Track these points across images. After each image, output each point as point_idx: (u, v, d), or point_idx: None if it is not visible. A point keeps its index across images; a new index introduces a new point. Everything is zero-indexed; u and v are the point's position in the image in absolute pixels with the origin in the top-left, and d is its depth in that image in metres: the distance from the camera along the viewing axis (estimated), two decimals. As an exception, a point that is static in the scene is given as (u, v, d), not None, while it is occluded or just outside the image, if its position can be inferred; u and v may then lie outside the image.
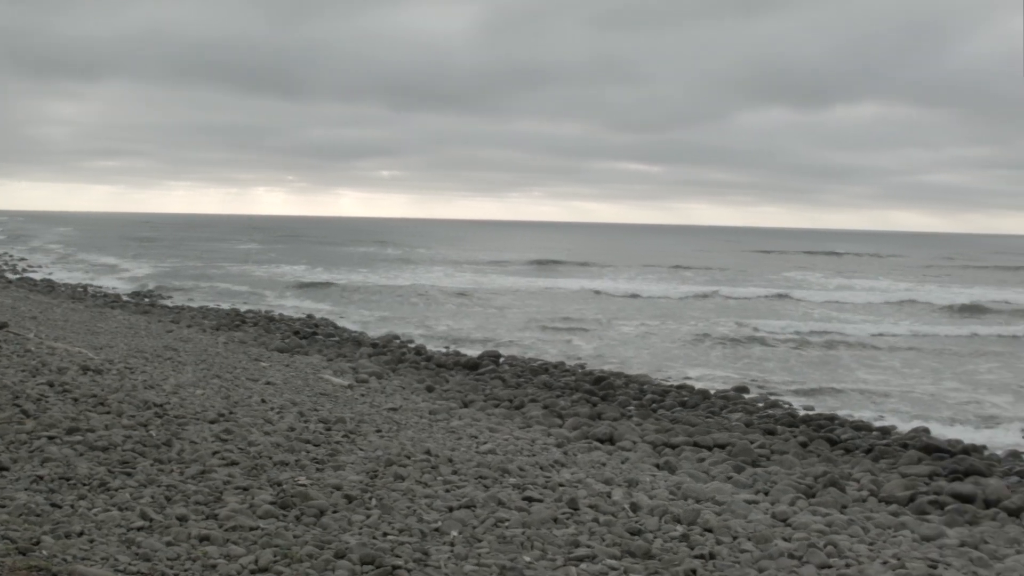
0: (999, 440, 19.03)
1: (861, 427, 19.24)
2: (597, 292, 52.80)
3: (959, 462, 16.15)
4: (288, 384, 17.38)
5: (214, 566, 7.04)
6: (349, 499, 9.20)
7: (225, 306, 38.45)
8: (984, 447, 18.02)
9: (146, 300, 39.95)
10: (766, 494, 13.30)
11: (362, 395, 17.60)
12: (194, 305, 38.49)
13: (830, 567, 9.21)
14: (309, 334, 29.42)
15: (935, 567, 9.58)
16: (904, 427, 19.59)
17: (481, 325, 35.67)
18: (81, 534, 7.27)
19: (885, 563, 9.52)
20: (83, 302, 35.61)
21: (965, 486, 14.51)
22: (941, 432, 19.28)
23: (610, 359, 28.00)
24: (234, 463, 9.88)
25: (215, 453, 10.15)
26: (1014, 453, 17.79)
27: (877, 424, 19.68)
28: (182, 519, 7.97)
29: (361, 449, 11.68)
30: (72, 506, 7.89)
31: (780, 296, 51.83)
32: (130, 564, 6.78)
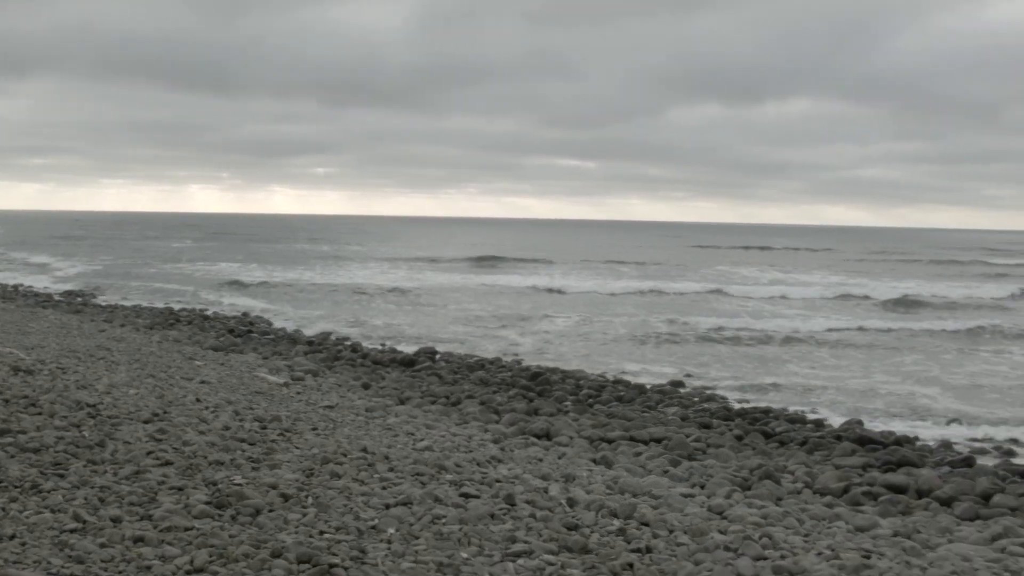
0: (930, 432, 19.24)
1: (795, 420, 19.40)
2: (533, 288, 52.88)
3: (892, 453, 16.32)
4: (223, 383, 17.28)
5: (149, 567, 6.99)
6: (285, 498, 9.16)
7: (159, 305, 38.16)
8: (916, 438, 18.21)
9: (78, 299, 39.53)
10: (702, 487, 13.37)
11: (298, 393, 17.53)
12: (127, 304, 38.15)
13: (765, 559, 9.28)
14: (244, 332, 29.25)
15: (868, 557, 9.67)
16: (837, 420, 19.77)
17: (417, 322, 35.62)
18: (13, 537, 7.20)
19: (820, 554, 9.59)
20: (13, 302, 35.25)
21: (898, 477, 14.67)
22: (874, 424, 19.47)
23: (546, 355, 28.06)
24: (168, 463, 9.80)
25: (149, 453, 10.07)
26: (945, 444, 18.00)
27: (811, 417, 19.84)
28: (116, 520, 7.90)
29: (297, 447, 11.63)
30: (3, 509, 7.81)
31: (715, 291, 52.10)
32: (63, 567, 6.72)
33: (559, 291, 51.56)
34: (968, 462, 16.36)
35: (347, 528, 8.52)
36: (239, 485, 9.26)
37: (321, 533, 8.31)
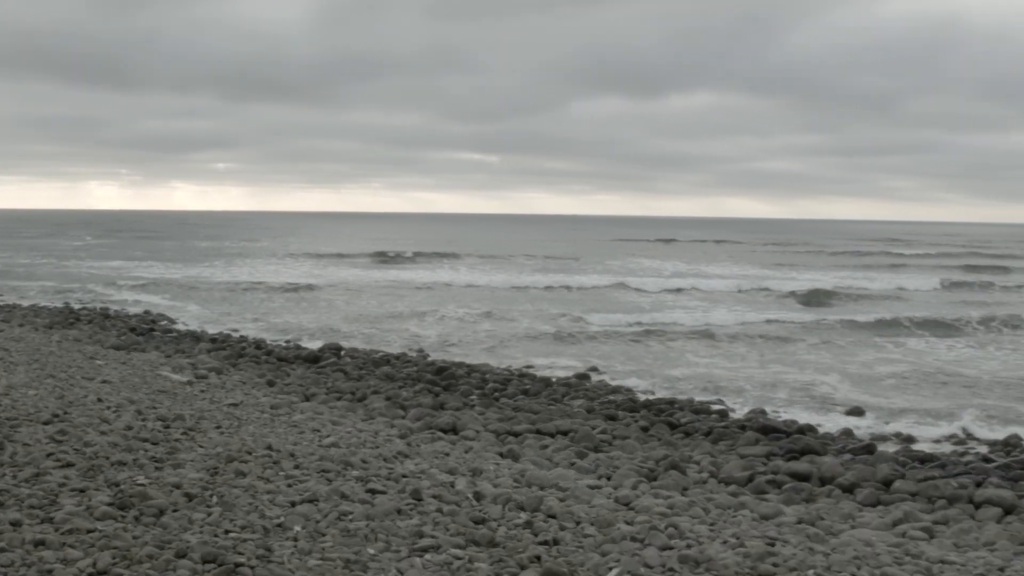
0: (832, 420, 19.51)
1: (700, 410, 19.57)
2: (438, 283, 52.82)
3: (795, 442, 16.54)
4: (125, 382, 17.06)
5: (50, 571, 6.88)
6: (189, 497, 9.07)
7: (58, 303, 37.56)
8: (818, 427, 18.46)
9: (-26, 299, 38.82)
10: (608, 479, 13.44)
11: (201, 391, 17.36)
12: (25, 303, 37.47)
13: (671, 549, 9.35)
14: (146, 330, 28.92)
15: (773, 544, 9.78)
16: (742, 410, 19.99)
17: (321, 318, 35.44)
18: (-91, 542, 7.06)
19: (725, 542, 9.69)
20: (-93, 303, 34.52)
21: (801, 465, 14.86)
22: (777, 414, 19.71)
23: (452, 349, 28.05)
24: (70, 464, 9.65)
25: (49, 455, 9.91)
26: (846, 432, 18.26)
27: (716, 408, 20.03)
28: (15, 524, 7.77)
29: (201, 446, 11.51)
30: (-101, 514, 7.65)
31: (619, 284, 52.41)
32: (-39, 571, 6.60)
33: (464, 285, 51.56)
34: (869, 449, 16.62)
35: (253, 527, 8.45)
36: (142, 485, 9.15)
37: (226, 532, 8.23)
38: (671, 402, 20.32)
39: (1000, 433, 18.51)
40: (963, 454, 16.94)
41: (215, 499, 9.10)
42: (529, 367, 24.86)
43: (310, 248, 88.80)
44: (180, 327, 30.83)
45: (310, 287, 48.26)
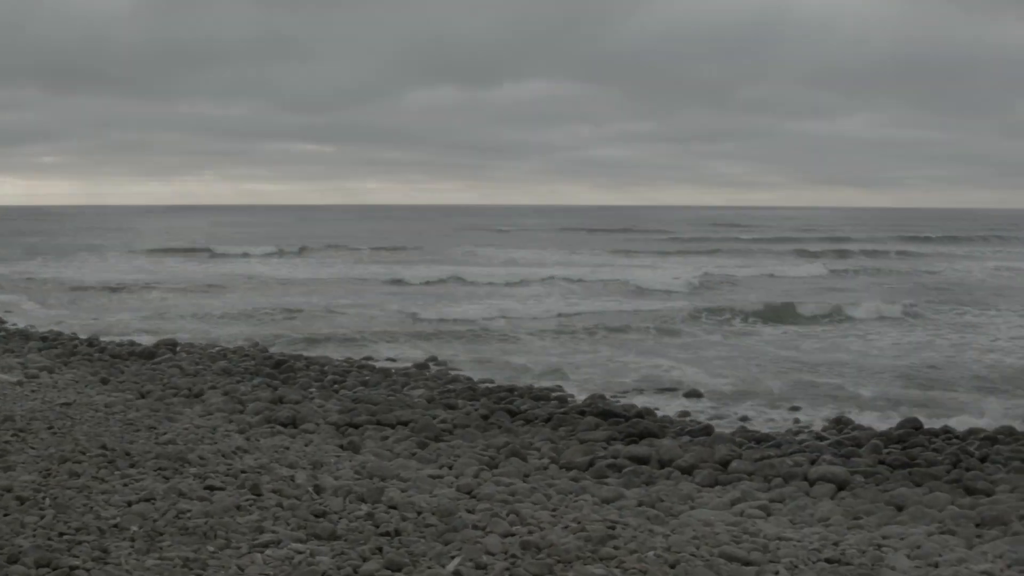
0: (671, 404, 19.83)
1: (540, 397, 19.71)
2: (273, 276, 52.33)
3: (634, 426, 16.76)
4: (-50, 384, 16.58)
5: None
6: (21, 500, 8.87)
7: None
8: (656, 410, 18.74)
9: None
10: (450, 468, 13.48)
11: (32, 391, 16.95)
12: None
13: (513, 535, 9.41)
14: (-28, 330, 28.10)
15: (614, 527, 9.92)
16: (581, 396, 20.18)
17: (155, 314, 34.82)
18: None
19: (566, 527, 9.79)
20: None
21: (640, 448, 15.08)
22: (616, 399, 19.95)
23: (290, 342, 27.82)
24: None
25: None
26: (683, 414, 18.59)
27: (555, 394, 20.19)
28: None
29: (33, 447, 11.26)
30: None
31: (454, 276, 52.45)
32: None
33: (303, 279, 51.15)
34: (707, 431, 16.93)
35: (88, 528, 8.29)
36: (-30, 489, 8.91)
37: (60, 535, 8.07)
38: (511, 389, 20.43)
39: (833, 412, 19.03)
40: (797, 433, 17.37)
41: (48, 501, 8.92)
42: (368, 359, 24.77)
43: (142, 243, 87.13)
44: (8, 326, 30.02)
45: (143, 283, 47.37)
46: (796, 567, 9.24)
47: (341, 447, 14.58)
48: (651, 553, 9.10)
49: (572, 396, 20.17)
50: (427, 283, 48.17)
